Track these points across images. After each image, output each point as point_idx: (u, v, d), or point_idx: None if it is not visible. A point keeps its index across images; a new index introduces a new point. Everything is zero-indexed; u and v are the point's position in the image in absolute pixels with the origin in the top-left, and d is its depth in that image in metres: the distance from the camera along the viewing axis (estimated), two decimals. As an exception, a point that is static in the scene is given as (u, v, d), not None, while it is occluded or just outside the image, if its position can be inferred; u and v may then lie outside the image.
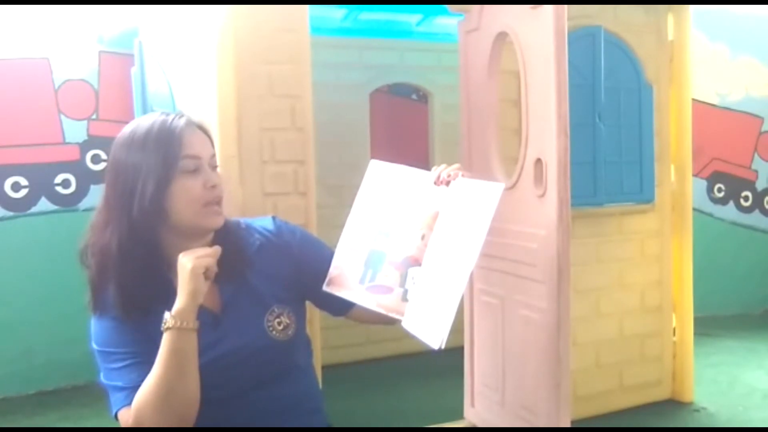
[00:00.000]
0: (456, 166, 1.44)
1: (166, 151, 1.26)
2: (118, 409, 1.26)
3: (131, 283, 1.26)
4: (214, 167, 1.34)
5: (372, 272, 1.38)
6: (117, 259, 1.25)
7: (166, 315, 1.22)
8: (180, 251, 1.28)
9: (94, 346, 1.30)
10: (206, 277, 1.23)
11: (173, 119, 1.30)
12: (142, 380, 1.23)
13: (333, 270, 1.41)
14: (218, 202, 1.32)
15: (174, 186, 1.27)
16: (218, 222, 1.33)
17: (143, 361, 1.25)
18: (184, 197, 1.28)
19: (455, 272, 1.26)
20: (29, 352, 3.36)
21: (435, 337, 1.23)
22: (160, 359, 1.22)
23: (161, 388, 1.21)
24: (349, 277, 1.39)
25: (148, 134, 1.28)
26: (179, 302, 1.22)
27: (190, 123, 1.32)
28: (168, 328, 1.21)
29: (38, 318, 3.36)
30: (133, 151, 1.27)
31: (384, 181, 1.47)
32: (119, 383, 1.26)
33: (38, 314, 3.36)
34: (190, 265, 1.21)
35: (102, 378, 1.30)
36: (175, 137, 1.28)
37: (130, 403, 1.24)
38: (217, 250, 1.26)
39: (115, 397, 1.27)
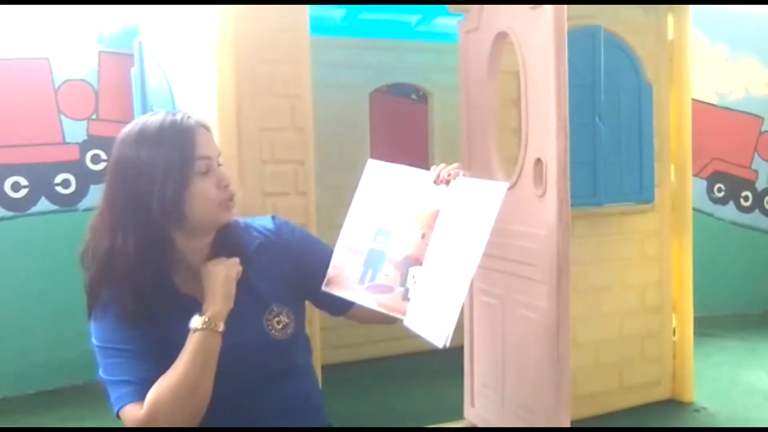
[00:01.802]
0: (456, 165, 1.44)
1: (182, 151, 1.26)
2: (124, 405, 1.23)
3: (144, 285, 1.25)
4: (219, 165, 1.34)
5: (372, 272, 1.38)
6: (133, 261, 1.24)
7: (197, 318, 1.25)
8: (185, 249, 1.30)
9: (94, 342, 1.29)
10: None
11: (183, 118, 1.30)
12: (149, 375, 1.22)
13: (331, 270, 1.41)
14: (232, 198, 1.33)
15: (191, 188, 1.27)
16: (231, 216, 1.35)
17: (146, 357, 1.24)
18: (201, 199, 1.28)
19: (459, 271, 1.26)
20: (29, 351, 3.36)
21: (439, 336, 1.23)
22: (186, 357, 1.23)
23: (185, 386, 1.21)
24: (348, 276, 1.39)
25: (161, 132, 1.27)
26: (214, 306, 1.26)
27: (198, 123, 1.32)
28: (199, 330, 1.24)
29: (38, 318, 3.36)
30: (144, 149, 1.26)
31: (382, 181, 1.46)
32: (125, 378, 1.24)
33: (38, 314, 3.36)
34: (225, 272, 1.28)
35: (102, 374, 1.28)
36: (189, 138, 1.28)
37: (138, 399, 1.22)
38: (236, 260, 1.33)
39: (119, 393, 1.24)
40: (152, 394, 1.21)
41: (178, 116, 1.30)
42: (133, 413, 1.22)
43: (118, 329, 1.26)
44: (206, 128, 1.34)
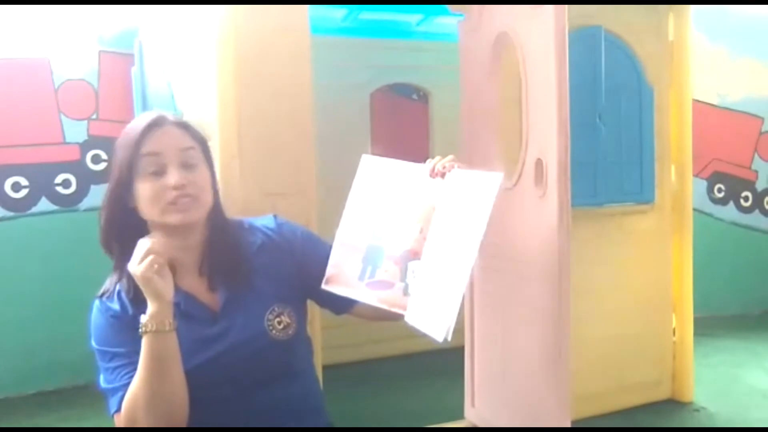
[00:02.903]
0: (450, 157, 1.43)
1: (130, 150, 1.29)
2: (115, 413, 1.26)
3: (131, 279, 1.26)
4: (187, 164, 1.31)
5: (371, 268, 1.37)
6: (119, 258, 1.30)
7: (142, 318, 1.21)
8: (171, 248, 1.30)
9: (93, 345, 1.30)
10: (163, 273, 1.21)
11: (153, 118, 1.31)
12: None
13: (330, 268, 1.41)
14: (176, 201, 1.28)
15: (136, 187, 1.28)
16: (180, 219, 1.29)
17: (137, 361, 1.24)
18: (144, 199, 1.29)
19: (457, 264, 1.26)
20: (29, 352, 3.36)
21: (440, 330, 1.23)
22: (141, 363, 1.21)
23: (146, 392, 1.21)
24: (348, 274, 1.39)
25: (127, 133, 1.31)
26: (149, 306, 1.21)
27: (161, 121, 1.32)
28: (145, 332, 1.21)
29: (38, 318, 3.36)
30: (117, 150, 1.32)
31: (377, 176, 1.46)
32: (115, 384, 1.26)
33: (38, 314, 3.35)
34: (138, 273, 1.20)
35: (101, 381, 1.30)
36: (137, 137, 1.29)
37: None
38: (159, 241, 1.23)
39: (111, 401, 1.28)
40: (125, 402, 1.23)
41: (151, 115, 1.32)
42: (117, 420, 1.26)
43: (113, 330, 1.27)
44: (179, 124, 1.34)
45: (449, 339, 1.23)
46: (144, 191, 1.28)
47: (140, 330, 1.21)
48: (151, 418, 1.21)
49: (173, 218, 1.29)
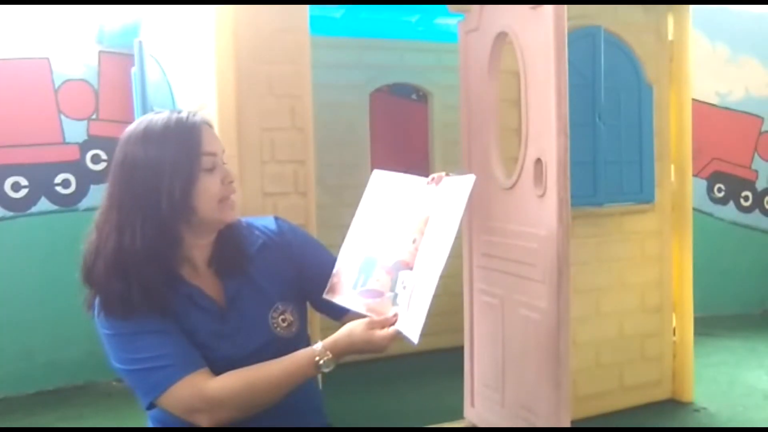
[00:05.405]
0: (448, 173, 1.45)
1: (188, 148, 1.27)
2: (171, 384, 1.22)
3: (153, 281, 1.24)
4: (224, 163, 1.34)
5: (364, 277, 1.38)
6: (143, 258, 1.23)
7: (321, 349, 1.28)
8: (191, 246, 1.31)
9: (108, 332, 1.26)
10: None
11: (188, 116, 1.30)
12: (188, 349, 1.25)
13: (332, 278, 1.42)
14: (233, 196, 1.33)
15: (198, 184, 1.27)
16: (234, 216, 1.35)
17: (175, 333, 1.25)
18: (205, 195, 1.28)
19: (431, 268, 1.27)
20: (29, 352, 3.36)
21: (413, 333, 1.25)
22: (281, 371, 1.27)
23: (268, 395, 1.26)
24: (344, 283, 1.41)
25: (166, 130, 1.27)
26: (343, 346, 1.29)
27: (202, 120, 1.33)
28: (313, 363, 1.27)
29: (38, 318, 3.36)
30: (151, 148, 1.26)
31: (384, 190, 1.48)
32: (160, 358, 1.23)
33: (38, 314, 3.36)
34: (383, 345, 1.30)
35: (124, 364, 1.26)
36: (195, 134, 1.28)
37: (188, 372, 1.22)
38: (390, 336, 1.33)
39: (159, 376, 1.23)
40: (228, 383, 1.24)
41: (183, 114, 1.31)
42: (191, 386, 1.22)
43: (134, 314, 1.25)
44: (210, 126, 1.35)
45: (417, 342, 1.24)
46: (206, 187, 1.28)
47: (316, 356, 1.27)
48: (241, 411, 1.24)
49: (230, 215, 1.33)
